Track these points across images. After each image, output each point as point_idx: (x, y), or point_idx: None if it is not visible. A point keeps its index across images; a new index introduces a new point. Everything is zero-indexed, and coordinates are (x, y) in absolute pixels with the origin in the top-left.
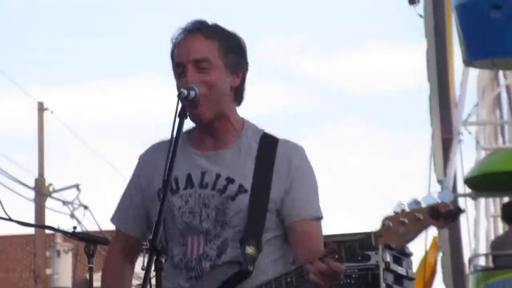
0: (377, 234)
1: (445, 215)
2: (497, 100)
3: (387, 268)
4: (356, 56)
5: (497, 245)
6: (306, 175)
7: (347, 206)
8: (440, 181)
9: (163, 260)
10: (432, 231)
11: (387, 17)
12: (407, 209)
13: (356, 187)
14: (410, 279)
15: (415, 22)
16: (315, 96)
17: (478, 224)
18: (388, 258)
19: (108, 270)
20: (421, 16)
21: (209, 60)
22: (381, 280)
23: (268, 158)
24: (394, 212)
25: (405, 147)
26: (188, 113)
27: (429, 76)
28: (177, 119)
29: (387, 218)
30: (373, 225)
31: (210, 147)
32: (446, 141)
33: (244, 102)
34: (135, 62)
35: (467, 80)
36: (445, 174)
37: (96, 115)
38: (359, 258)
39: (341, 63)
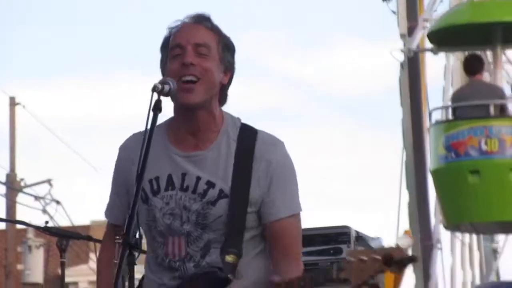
0: (340, 267)
1: (398, 261)
2: None
3: None
4: (328, 53)
5: (457, 97)
6: (285, 173)
7: (319, 203)
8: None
9: (136, 255)
10: (403, 224)
11: (360, 14)
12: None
13: (326, 185)
14: (382, 271)
15: (388, 18)
16: (288, 93)
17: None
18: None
19: (100, 258)
20: (394, 12)
21: (209, 47)
22: None
23: (246, 159)
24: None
25: (379, 143)
26: (178, 100)
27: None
28: (151, 113)
29: (350, 253)
30: (347, 221)
31: (190, 147)
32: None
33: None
34: (109, 58)
35: None
36: None
37: (69, 110)
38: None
39: (314, 61)
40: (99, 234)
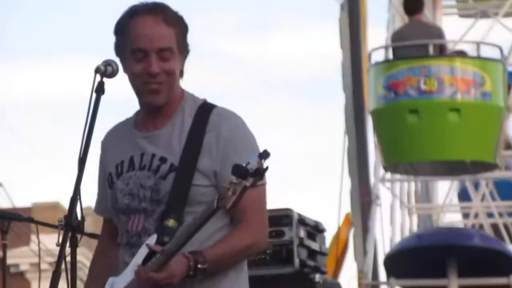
0: (220, 197)
1: (252, 174)
2: None
3: (301, 244)
4: (276, 36)
5: (397, 37)
6: (239, 144)
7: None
8: None
9: (79, 237)
10: (344, 208)
11: None
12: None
13: (280, 165)
14: (324, 254)
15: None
16: (234, 76)
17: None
18: (302, 233)
19: (94, 255)
20: None
21: (171, 49)
22: (295, 256)
23: (198, 132)
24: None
25: (325, 125)
26: (144, 99)
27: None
28: (94, 95)
29: (226, 182)
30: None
31: (151, 128)
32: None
33: None
34: (57, 41)
35: None
36: None
37: (12, 92)
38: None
39: (258, 44)
40: (40, 216)
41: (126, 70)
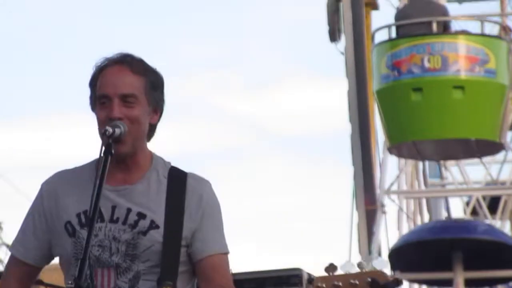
0: None
1: (383, 286)
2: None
3: None
4: (278, 93)
5: (400, 15)
6: (215, 211)
7: (267, 242)
8: None
9: None
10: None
11: (309, 55)
12: (341, 271)
13: (279, 225)
14: None
15: (337, 59)
16: (235, 134)
17: None
18: None
19: None
20: (342, 53)
21: (136, 96)
22: None
23: (178, 193)
24: (326, 272)
25: (327, 184)
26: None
27: (350, 117)
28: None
29: (320, 280)
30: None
31: (120, 181)
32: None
33: (163, 140)
34: (58, 99)
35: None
36: None
37: (16, 151)
38: None
39: (262, 101)
40: (49, 278)
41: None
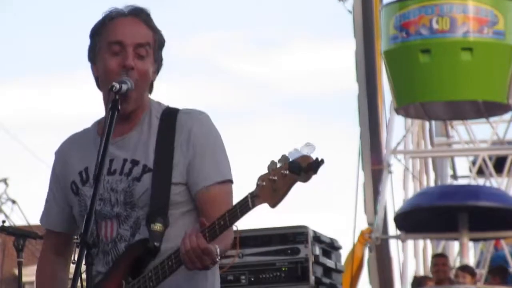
0: (253, 195)
1: (306, 169)
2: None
3: (316, 261)
4: (286, 54)
5: None
6: (209, 141)
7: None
8: None
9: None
10: (360, 225)
11: (316, 14)
12: (278, 166)
13: None
14: (339, 271)
15: (344, 18)
16: (242, 94)
17: None
18: (318, 251)
19: (41, 270)
20: (350, 12)
21: (148, 49)
22: (311, 273)
23: (168, 131)
24: (267, 170)
25: (334, 144)
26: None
27: (357, 77)
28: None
29: (260, 178)
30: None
31: (117, 134)
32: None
33: (173, 100)
34: (67, 59)
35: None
36: None
37: (24, 109)
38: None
39: (271, 61)
40: None
41: (97, 71)
